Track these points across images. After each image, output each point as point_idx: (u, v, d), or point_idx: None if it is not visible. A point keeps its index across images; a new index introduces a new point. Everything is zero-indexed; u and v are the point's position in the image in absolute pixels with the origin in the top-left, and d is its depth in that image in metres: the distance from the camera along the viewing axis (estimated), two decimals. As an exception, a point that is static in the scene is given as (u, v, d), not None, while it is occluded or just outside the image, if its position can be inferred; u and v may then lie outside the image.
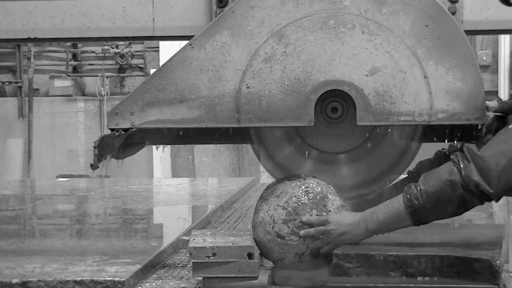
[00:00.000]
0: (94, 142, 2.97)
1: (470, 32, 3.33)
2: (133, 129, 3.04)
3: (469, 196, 2.63)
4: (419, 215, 2.67)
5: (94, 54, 10.30)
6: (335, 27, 2.92)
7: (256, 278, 2.84)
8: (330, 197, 2.90)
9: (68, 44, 10.06)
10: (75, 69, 10.35)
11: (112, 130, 3.03)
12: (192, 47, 2.98)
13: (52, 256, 3.33)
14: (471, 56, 2.90)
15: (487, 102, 2.90)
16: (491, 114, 2.93)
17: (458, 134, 3.13)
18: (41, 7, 3.37)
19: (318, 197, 2.88)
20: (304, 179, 2.93)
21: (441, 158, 3.12)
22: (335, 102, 3.04)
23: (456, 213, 2.69)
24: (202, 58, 2.97)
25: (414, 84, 2.91)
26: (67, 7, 3.36)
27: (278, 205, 2.88)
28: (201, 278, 2.86)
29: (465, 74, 2.89)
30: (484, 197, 2.64)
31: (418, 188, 2.66)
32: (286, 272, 2.90)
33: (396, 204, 2.69)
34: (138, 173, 9.48)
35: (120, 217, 4.65)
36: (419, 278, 2.64)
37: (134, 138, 3.18)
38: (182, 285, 3.05)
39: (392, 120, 2.92)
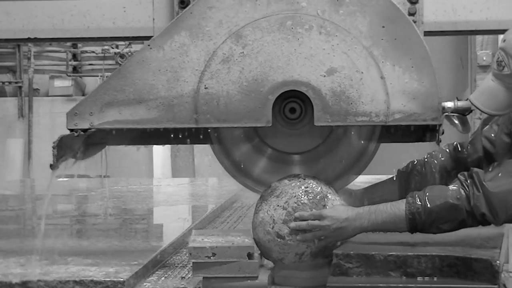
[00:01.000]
0: (53, 143, 2.96)
1: (471, 32, 3.34)
2: (93, 130, 3.03)
3: (471, 220, 2.69)
4: (417, 226, 2.71)
5: (94, 54, 10.30)
6: (292, 28, 2.92)
7: (256, 278, 2.84)
8: (330, 197, 2.89)
9: (68, 44, 10.06)
10: (75, 69, 10.35)
11: (71, 130, 3.01)
12: (151, 48, 2.96)
13: (52, 256, 3.33)
14: (427, 57, 2.90)
15: (443, 103, 2.91)
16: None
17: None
18: (41, 7, 3.37)
19: (318, 197, 2.88)
20: (304, 179, 2.93)
21: (434, 160, 3.13)
22: (294, 103, 3.04)
23: (452, 230, 2.74)
24: (161, 58, 2.96)
25: (371, 85, 2.91)
26: (67, 7, 3.36)
27: (278, 205, 2.88)
28: (201, 278, 2.86)
29: (421, 75, 2.90)
30: (485, 223, 2.70)
31: (423, 204, 2.68)
32: (286, 272, 2.90)
33: (397, 211, 2.72)
34: (138, 173, 9.48)
35: (120, 217, 4.66)
36: (419, 278, 2.65)
37: (94, 138, 3.16)
38: (182, 285, 3.05)
39: (350, 121, 2.92)
